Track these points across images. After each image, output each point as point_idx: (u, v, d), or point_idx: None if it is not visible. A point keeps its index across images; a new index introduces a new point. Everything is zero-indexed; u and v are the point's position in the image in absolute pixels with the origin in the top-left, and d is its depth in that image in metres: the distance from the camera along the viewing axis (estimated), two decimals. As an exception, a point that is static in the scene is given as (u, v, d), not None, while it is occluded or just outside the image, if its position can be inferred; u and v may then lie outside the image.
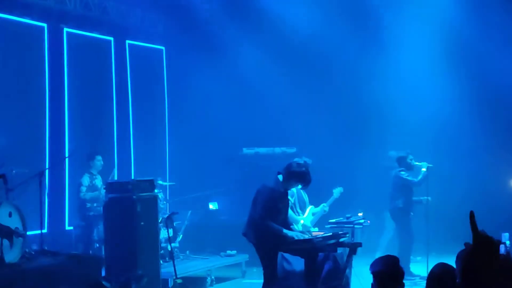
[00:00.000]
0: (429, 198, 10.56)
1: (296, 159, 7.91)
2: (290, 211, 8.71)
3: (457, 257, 3.13)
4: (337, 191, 10.11)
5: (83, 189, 10.71)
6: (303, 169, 7.68)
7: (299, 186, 8.49)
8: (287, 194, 7.99)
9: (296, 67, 12.97)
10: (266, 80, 12.62)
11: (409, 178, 10.65)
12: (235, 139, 12.81)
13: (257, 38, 12.70)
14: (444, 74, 12.61)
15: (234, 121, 12.87)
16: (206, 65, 12.83)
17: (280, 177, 7.72)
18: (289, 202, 8.35)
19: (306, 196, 9.65)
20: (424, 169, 10.57)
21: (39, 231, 9.16)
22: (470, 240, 3.03)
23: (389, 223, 11.48)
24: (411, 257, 10.78)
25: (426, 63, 12.63)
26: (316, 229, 9.30)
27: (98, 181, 10.89)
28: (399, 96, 12.54)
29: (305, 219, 9.55)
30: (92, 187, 10.80)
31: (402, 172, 10.68)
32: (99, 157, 11.04)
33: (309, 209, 9.82)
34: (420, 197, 10.73)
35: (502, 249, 7.87)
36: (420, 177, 10.58)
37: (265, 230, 7.52)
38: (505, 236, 8.27)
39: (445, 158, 12.05)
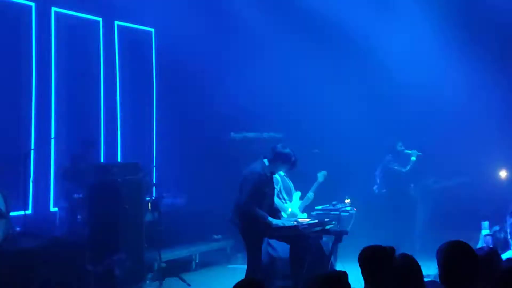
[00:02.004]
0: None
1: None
2: (277, 199, 8.68)
3: (438, 251, 3.09)
4: (321, 175, 10.00)
5: None
6: (288, 150, 7.76)
7: (284, 170, 8.46)
8: (272, 178, 8.00)
9: (285, 53, 12.85)
10: (256, 66, 12.51)
11: (397, 168, 10.58)
12: (223, 123, 12.72)
13: (248, 22, 12.57)
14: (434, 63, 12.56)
15: (222, 105, 12.76)
16: (195, 49, 12.68)
17: (266, 161, 7.75)
18: (275, 188, 8.32)
19: (291, 183, 9.57)
20: (413, 158, 10.52)
21: (23, 212, 9.09)
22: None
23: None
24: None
25: (419, 53, 12.57)
26: (305, 215, 9.26)
27: None
28: (387, 82, 12.47)
29: (292, 206, 9.49)
30: None
31: (393, 163, 10.59)
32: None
33: (295, 195, 9.76)
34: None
35: (489, 241, 7.83)
36: (408, 166, 10.54)
37: (250, 216, 7.54)
38: (484, 225, 8.24)
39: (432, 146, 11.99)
